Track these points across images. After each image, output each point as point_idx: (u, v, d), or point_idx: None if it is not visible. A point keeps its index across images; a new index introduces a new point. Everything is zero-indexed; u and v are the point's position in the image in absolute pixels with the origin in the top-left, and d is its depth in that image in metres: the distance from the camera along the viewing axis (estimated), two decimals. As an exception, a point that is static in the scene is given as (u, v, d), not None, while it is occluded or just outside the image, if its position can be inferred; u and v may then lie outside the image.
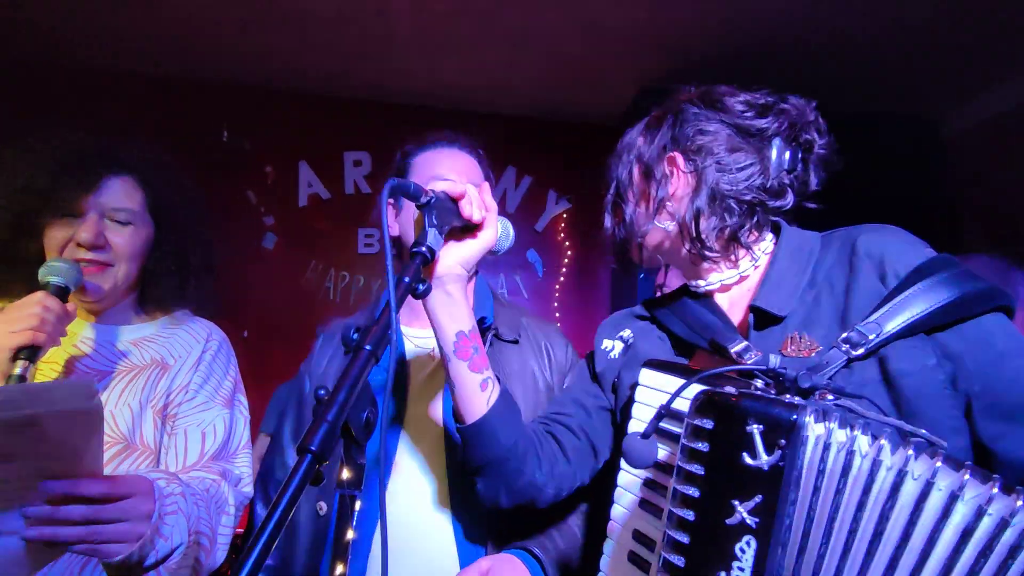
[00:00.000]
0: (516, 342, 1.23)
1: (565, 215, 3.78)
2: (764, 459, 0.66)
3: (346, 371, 0.63)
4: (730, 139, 0.89)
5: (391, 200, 1.25)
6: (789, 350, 0.81)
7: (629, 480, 0.89)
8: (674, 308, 1.00)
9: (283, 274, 3.60)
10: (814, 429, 0.64)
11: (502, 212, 3.93)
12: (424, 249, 0.80)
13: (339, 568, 0.67)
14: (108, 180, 1.17)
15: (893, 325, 0.74)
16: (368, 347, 0.65)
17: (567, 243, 3.80)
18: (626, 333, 1.04)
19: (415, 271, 0.78)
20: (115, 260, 1.16)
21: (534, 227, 3.77)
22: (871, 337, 0.74)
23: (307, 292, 3.61)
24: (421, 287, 0.80)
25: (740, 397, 0.67)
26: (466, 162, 1.25)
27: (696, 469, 0.67)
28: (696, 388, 0.72)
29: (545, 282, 3.78)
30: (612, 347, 1.04)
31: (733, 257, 0.92)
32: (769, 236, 0.94)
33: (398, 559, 1.08)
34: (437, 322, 0.92)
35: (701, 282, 0.95)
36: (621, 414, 0.98)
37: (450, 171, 1.19)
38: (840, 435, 0.63)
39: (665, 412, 0.71)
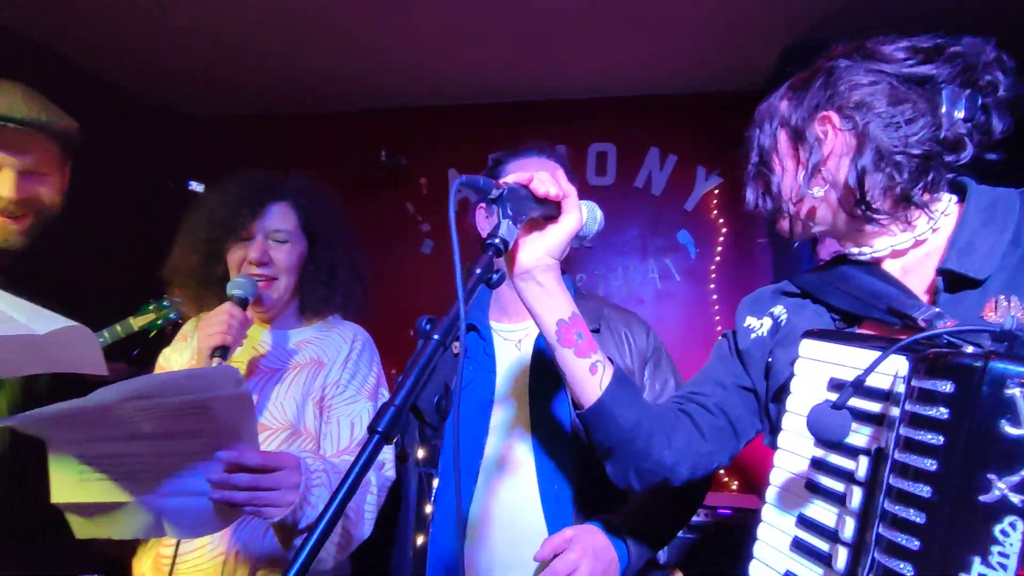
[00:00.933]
0: (597, 331, 1.27)
1: (716, 191, 3.57)
2: (1030, 428, 0.56)
3: (414, 359, 0.66)
4: (893, 90, 0.80)
5: (483, 204, 1.30)
6: (995, 316, 0.71)
7: (789, 460, 0.80)
8: (831, 279, 0.90)
9: (441, 276, 3.83)
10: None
11: (647, 195, 3.80)
12: (497, 241, 0.80)
13: (420, 539, 0.70)
14: (270, 206, 1.37)
15: None
16: (436, 336, 0.68)
17: (721, 220, 3.58)
18: (777, 310, 0.96)
19: (487, 262, 0.78)
20: (278, 274, 1.35)
21: (683, 207, 3.61)
22: None
23: (464, 291, 3.80)
24: (495, 277, 0.80)
25: (990, 357, 0.57)
26: (548, 169, 1.27)
27: (931, 438, 0.58)
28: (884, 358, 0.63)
29: (699, 263, 3.60)
30: (759, 325, 0.97)
31: (906, 219, 0.83)
32: (947, 196, 0.84)
33: (493, 529, 1.18)
34: (536, 314, 0.92)
35: (867, 248, 0.87)
36: (776, 394, 0.90)
37: None
38: None
39: (863, 381, 0.63)
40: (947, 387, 0.59)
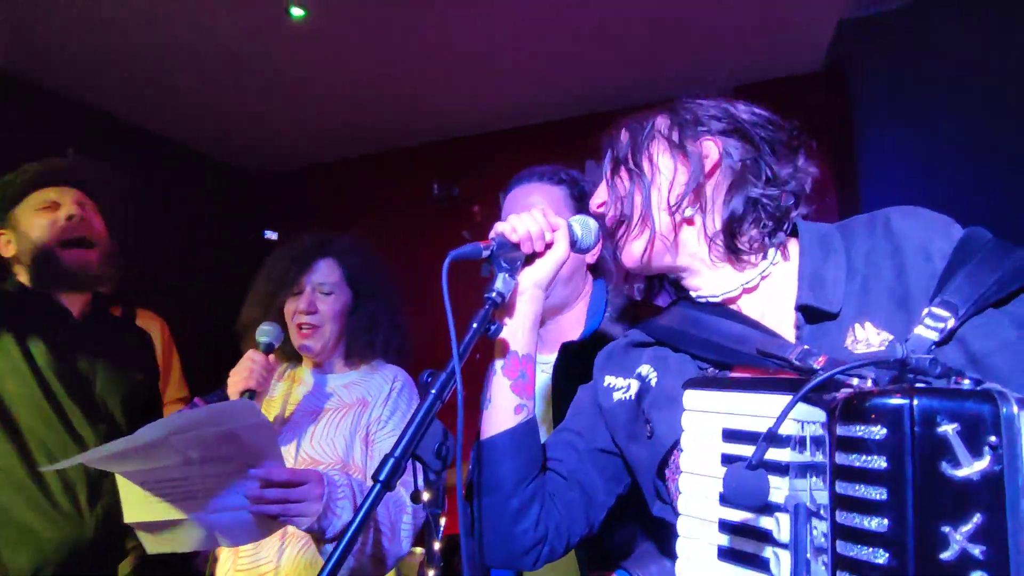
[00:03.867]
0: None
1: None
2: (973, 467, 0.48)
3: (415, 411, 0.73)
4: (769, 137, 0.85)
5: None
6: (856, 345, 0.73)
7: (694, 526, 0.71)
8: (685, 326, 0.86)
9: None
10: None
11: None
12: (494, 295, 0.84)
13: (431, 572, 0.78)
14: (317, 262, 1.54)
15: (965, 303, 0.68)
16: (433, 391, 0.74)
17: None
18: (644, 369, 0.89)
19: (484, 316, 0.83)
20: (322, 322, 1.51)
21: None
22: (949, 318, 0.67)
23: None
24: (493, 328, 0.84)
25: (912, 393, 0.50)
26: (544, 193, 1.30)
27: (873, 494, 0.51)
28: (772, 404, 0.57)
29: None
30: (625, 386, 0.91)
31: (754, 259, 0.83)
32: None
33: None
34: (501, 335, 0.93)
35: (716, 289, 0.85)
36: (664, 460, 0.82)
37: (526, 207, 1.18)
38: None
39: (775, 432, 0.56)
40: (879, 432, 0.52)
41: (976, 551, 0.48)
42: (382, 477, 0.70)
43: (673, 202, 0.83)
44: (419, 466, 0.76)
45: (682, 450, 0.73)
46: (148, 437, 0.99)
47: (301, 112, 3.64)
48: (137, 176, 1.70)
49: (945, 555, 0.49)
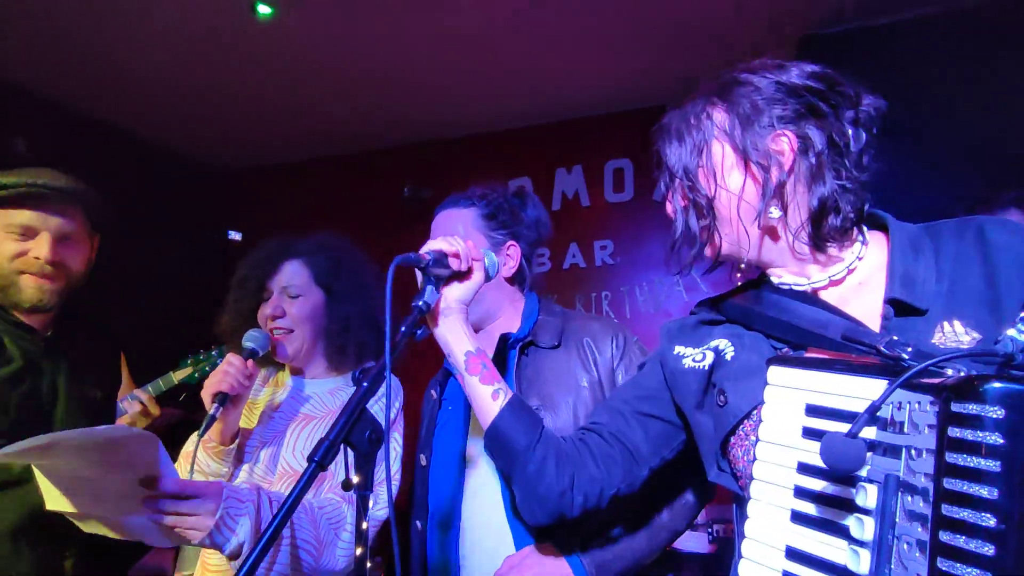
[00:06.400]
0: (557, 347, 1.35)
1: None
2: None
3: (347, 401, 0.83)
4: (836, 118, 0.85)
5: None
6: (945, 341, 0.76)
7: (768, 491, 0.77)
8: (763, 308, 0.89)
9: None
10: None
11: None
12: (421, 303, 0.99)
13: (358, 549, 0.86)
14: (283, 265, 1.50)
15: None
16: (365, 384, 0.85)
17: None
18: (721, 344, 0.92)
19: (412, 321, 0.97)
20: (294, 326, 1.46)
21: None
22: None
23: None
24: (420, 332, 1.00)
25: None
26: (457, 217, 1.43)
27: (986, 465, 0.57)
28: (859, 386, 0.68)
29: (722, 273, 3.55)
30: (700, 356, 0.94)
31: (840, 252, 0.86)
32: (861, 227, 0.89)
33: (471, 554, 1.31)
34: (447, 347, 1.08)
35: (803, 279, 0.87)
36: (732, 430, 0.87)
37: (446, 230, 1.39)
38: None
39: (878, 407, 0.62)
40: (996, 412, 0.57)
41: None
42: (317, 457, 0.77)
43: (749, 215, 0.85)
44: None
45: (761, 421, 0.77)
46: (36, 443, 0.98)
47: (274, 110, 3.54)
48: (94, 171, 1.51)
49: (1047, 525, 0.54)
